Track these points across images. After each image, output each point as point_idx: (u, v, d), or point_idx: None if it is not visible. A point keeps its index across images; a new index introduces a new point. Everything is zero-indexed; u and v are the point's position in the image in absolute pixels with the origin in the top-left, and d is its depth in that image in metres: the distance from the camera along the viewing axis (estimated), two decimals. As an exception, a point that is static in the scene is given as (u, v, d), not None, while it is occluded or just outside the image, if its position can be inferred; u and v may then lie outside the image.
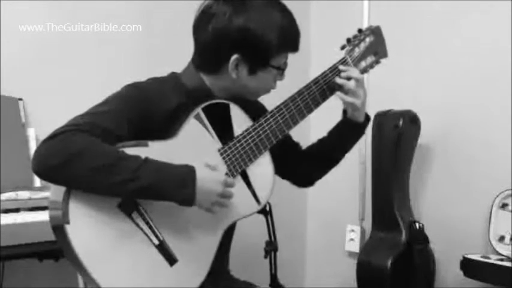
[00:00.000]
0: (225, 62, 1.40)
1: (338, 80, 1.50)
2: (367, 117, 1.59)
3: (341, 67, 1.51)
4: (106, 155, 1.22)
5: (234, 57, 1.38)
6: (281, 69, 1.45)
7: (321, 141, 1.64)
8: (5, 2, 2.02)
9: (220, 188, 1.32)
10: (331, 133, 1.61)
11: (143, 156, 1.26)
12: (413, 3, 2.55)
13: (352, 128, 1.57)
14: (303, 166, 1.65)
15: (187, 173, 1.28)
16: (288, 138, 1.64)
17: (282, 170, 1.56)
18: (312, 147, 1.66)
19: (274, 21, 1.39)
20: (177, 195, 1.27)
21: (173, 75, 1.48)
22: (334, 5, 2.86)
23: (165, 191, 1.26)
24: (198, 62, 1.45)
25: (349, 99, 1.50)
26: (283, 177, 1.63)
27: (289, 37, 1.43)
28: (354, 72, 1.51)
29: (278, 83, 1.50)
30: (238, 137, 1.43)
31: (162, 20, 2.41)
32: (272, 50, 1.40)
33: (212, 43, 1.39)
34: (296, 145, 1.67)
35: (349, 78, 1.50)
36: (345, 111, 1.58)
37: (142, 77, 1.44)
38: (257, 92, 1.49)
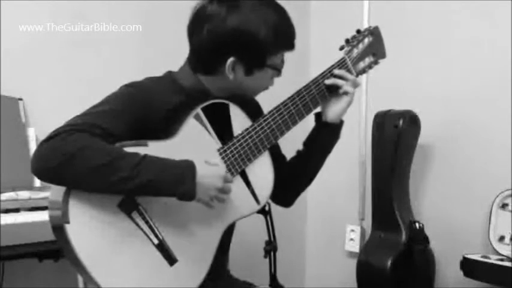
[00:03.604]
0: (221, 64, 1.39)
1: (327, 81, 1.50)
2: (341, 120, 1.57)
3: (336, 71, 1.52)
4: (105, 154, 1.22)
5: (231, 60, 1.38)
6: (277, 69, 1.45)
7: (298, 153, 1.62)
8: (5, 2, 2.02)
9: (220, 183, 1.32)
10: (308, 141, 1.59)
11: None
12: (413, 3, 2.56)
13: (329, 131, 1.56)
14: (283, 182, 1.58)
15: (186, 168, 1.28)
16: (278, 150, 1.63)
17: None
18: (290, 161, 1.63)
19: (269, 21, 1.38)
20: (177, 190, 1.26)
21: (169, 75, 1.48)
22: (334, 5, 2.87)
23: (164, 187, 1.26)
24: (194, 64, 1.45)
25: (350, 89, 1.50)
26: None
27: (284, 36, 1.43)
28: (345, 73, 1.51)
29: (278, 83, 1.50)
30: (237, 137, 1.43)
31: (162, 20, 2.41)
32: (268, 50, 1.40)
33: (208, 45, 1.39)
34: (283, 158, 1.65)
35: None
36: (317, 116, 1.57)
37: (143, 77, 1.44)
38: (254, 91, 1.50)
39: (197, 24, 1.41)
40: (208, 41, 1.39)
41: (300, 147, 1.62)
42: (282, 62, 1.46)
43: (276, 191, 1.51)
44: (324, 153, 1.60)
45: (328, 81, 1.50)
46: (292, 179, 1.62)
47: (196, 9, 1.42)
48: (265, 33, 1.37)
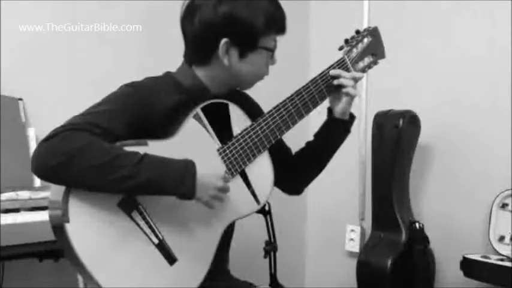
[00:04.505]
0: (215, 50, 1.41)
1: (335, 81, 1.51)
2: (352, 115, 1.59)
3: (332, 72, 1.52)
4: (105, 153, 1.22)
5: (223, 41, 1.40)
6: (271, 51, 1.47)
7: (308, 144, 1.63)
8: (5, 2, 2.02)
9: (220, 183, 1.33)
10: (318, 134, 1.61)
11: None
12: (413, 3, 2.56)
13: (339, 126, 1.57)
14: (292, 172, 1.62)
15: (187, 167, 1.28)
16: (281, 142, 1.63)
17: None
18: (300, 152, 1.65)
19: (259, 6, 1.41)
20: (177, 189, 1.27)
21: (168, 74, 1.49)
22: (334, 5, 2.87)
23: (165, 185, 1.26)
24: (189, 56, 1.47)
25: (352, 91, 1.51)
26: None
27: (275, 19, 1.45)
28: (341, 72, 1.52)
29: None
30: (237, 136, 1.43)
31: (162, 20, 2.40)
32: (259, 31, 1.42)
33: (200, 33, 1.41)
34: (288, 150, 1.66)
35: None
36: (330, 111, 1.58)
37: (143, 77, 1.44)
38: (251, 79, 1.50)
39: (188, 15, 1.43)
40: (200, 29, 1.41)
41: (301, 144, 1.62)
42: (275, 45, 1.48)
43: (284, 181, 1.54)
44: (332, 146, 1.61)
45: (334, 78, 1.51)
46: (301, 169, 1.64)
47: (187, 4, 1.44)
48: (256, 16, 1.40)
